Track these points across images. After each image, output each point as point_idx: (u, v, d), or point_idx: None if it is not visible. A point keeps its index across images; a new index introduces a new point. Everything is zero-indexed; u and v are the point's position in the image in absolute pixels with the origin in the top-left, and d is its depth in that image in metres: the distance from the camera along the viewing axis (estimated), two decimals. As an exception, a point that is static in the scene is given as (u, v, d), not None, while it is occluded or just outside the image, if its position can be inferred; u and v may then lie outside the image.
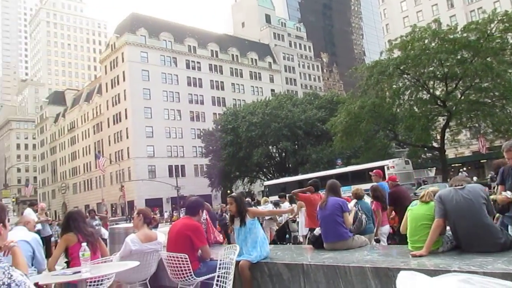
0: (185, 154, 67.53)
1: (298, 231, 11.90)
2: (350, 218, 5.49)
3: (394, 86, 34.92)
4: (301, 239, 11.92)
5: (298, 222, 11.94)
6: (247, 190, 57.91)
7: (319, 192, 7.69)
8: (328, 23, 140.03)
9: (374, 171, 8.91)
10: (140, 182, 57.78)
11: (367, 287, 3.96)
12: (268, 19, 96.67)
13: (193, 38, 74.52)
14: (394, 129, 37.92)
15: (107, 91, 71.29)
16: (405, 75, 34.33)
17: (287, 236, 12.21)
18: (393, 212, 7.43)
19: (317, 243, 5.51)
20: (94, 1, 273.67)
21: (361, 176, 28.15)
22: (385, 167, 30.64)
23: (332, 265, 4.32)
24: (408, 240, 4.55)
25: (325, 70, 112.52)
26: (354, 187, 8.84)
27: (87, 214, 13.53)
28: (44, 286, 4.11)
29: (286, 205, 12.87)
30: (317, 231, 5.58)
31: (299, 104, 53.95)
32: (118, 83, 67.69)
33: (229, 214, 5.37)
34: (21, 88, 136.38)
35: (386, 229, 7.37)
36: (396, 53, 35.14)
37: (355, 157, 44.18)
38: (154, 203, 53.51)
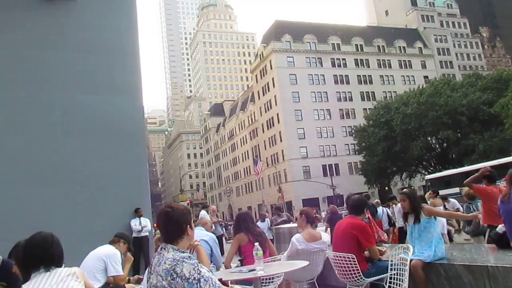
0: (337, 153, 67.18)
1: None
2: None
3: None
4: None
5: None
6: (406, 185, 54.72)
7: (496, 183, 6.76)
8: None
9: None
10: (296, 183, 59.47)
11: None
12: (413, 2, 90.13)
13: (336, 35, 73.90)
14: None
15: (259, 98, 75.42)
16: None
17: None
18: None
19: (501, 242, 4.84)
20: (243, 16, 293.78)
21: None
22: None
23: (525, 267, 3.73)
24: None
25: (486, 46, 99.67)
26: (466, 189, 7.87)
27: (273, 212, 14.54)
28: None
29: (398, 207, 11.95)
30: (500, 228, 4.90)
31: (459, 88, 48.82)
32: (268, 90, 71.02)
33: (402, 211, 5.07)
34: (187, 104, 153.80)
35: None
36: None
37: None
38: (311, 203, 54.39)
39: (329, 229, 11.12)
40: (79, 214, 8.08)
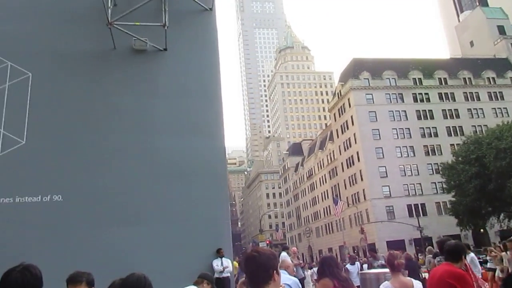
0: (423, 192, 63.37)
1: None
2: None
3: None
4: None
5: None
6: (505, 227, 49.70)
7: None
8: None
9: None
10: (379, 224, 56.78)
11: None
12: (501, 30, 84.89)
13: (417, 70, 71.64)
14: None
15: (338, 137, 74.57)
16: None
17: None
18: None
19: None
20: (320, 56, 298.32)
21: None
22: None
23: None
24: None
25: None
26: None
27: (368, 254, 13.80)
28: None
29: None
30: None
31: (562, 119, 44.28)
32: (347, 128, 70.06)
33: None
34: (266, 144, 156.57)
35: None
36: None
37: None
38: (396, 245, 51.31)
39: None
40: (164, 254, 8.35)
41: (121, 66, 9.77)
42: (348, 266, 12.33)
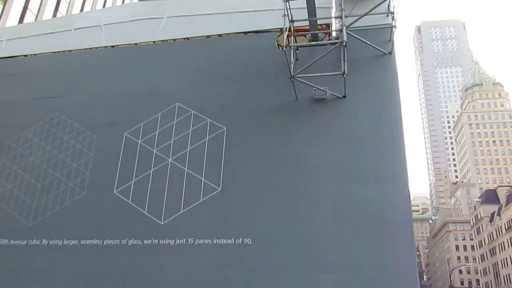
0: None
1: None
2: None
3: None
4: None
5: None
6: None
7: None
8: None
9: None
10: None
11: None
12: None
13: None
14: None
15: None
16: None
17: None
18: None
19: None
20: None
21: None
22: None
23: None
24: None
25: None
26: None
27: None
28: None
29: None
30: None
31: None
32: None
33: None
34: (453, 190, 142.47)
35: None
36: None
37: None
38: None
39: None
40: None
41: (303, 116, 10.57)
42: None
